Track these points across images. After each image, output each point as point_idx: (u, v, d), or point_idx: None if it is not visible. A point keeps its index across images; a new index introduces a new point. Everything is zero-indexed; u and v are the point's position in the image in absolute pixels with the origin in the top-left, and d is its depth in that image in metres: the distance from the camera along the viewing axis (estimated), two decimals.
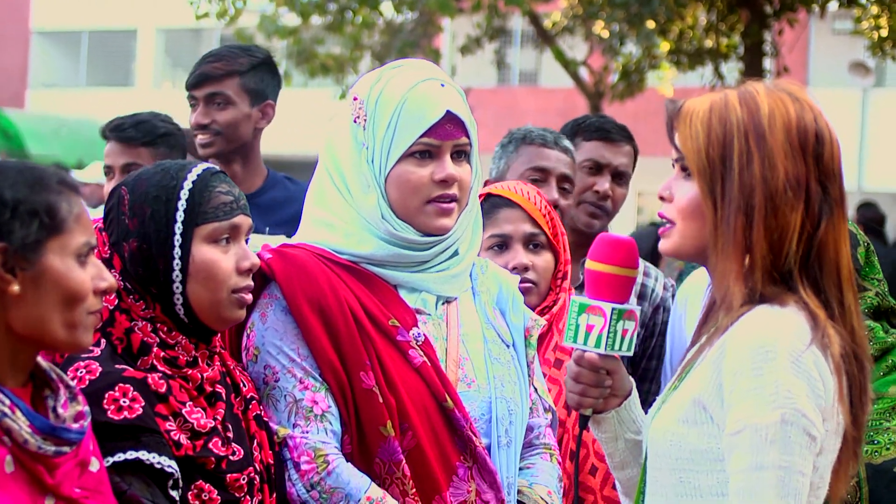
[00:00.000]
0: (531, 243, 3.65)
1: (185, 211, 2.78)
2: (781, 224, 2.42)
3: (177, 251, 2.77)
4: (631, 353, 2.78)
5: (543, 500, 3.14)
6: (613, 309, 2.71)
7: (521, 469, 3.17)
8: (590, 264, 2.76)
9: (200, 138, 4.60)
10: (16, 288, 2.18)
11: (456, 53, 19.77)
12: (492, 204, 3.66)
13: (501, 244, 3.63)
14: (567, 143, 4.27)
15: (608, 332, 2.71)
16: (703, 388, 2.44)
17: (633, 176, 4.59)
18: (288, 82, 17.18)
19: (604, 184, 4.46)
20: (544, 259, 3.65)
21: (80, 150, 20.62)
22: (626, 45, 15.78)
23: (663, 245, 2.63)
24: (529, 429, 3.20)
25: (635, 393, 2.84)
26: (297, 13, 15.83)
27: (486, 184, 4.26)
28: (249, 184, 4.61)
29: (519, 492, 3.13)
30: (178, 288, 2.77)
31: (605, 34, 15.67)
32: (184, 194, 2.79)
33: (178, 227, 2.77)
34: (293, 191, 4.68)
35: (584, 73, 17.86)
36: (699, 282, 4.26)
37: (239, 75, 4.61)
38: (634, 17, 14.17)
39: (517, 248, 3.62)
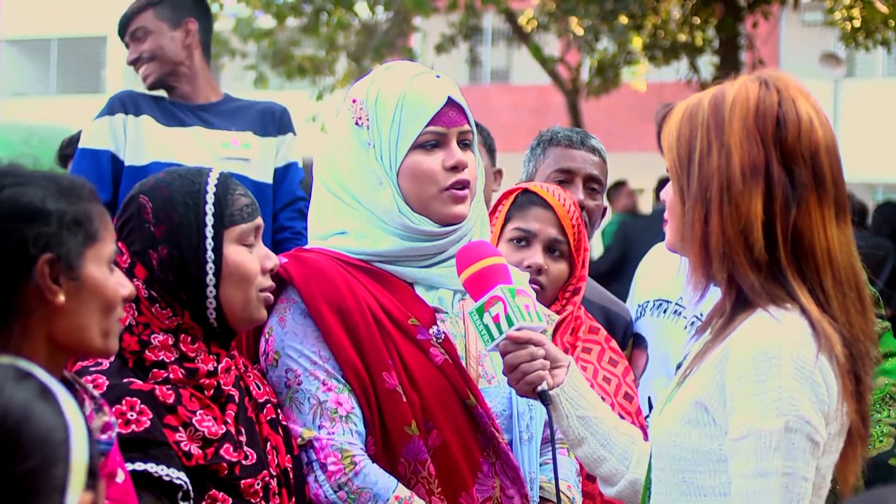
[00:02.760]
0: (552, 249, 3.65)
1: (213, 215, 2.79)
2: (742, 213, 2.41)
3: (210, 255, 2.77)
4: (545, 325, 2.89)
5: (564, 494, 3.13)
6: (502, 287, 2.83)
7: (541, 464, 3.18)
8: (462, 277, 2.90)
9: (140, 72, 4.97)
10: (61, 298, 2.17)
11: (429, 53, 19.77)
12: (527, 199, 3.67)
13: (523, 239, 3.64)
14: (595, 142, 4.24)
15: (512, 309, 2.81)
16: (705, 390, 2.44)
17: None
18: (265, 84, 17.19)
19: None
20: (559, 268, 3.66)
21: (52, 158, 20.49)
22: (600, 42, 15.80)
23: (665, 242, 2.67)
24: (547, 424, 3.20)
25: (577, 369, 2.88)
26: (272, 15, 15.80)
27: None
28: (206, 98, 4.98)
29: (540, 487, 3.14)
30: (211, 292, 2.78)
31: (580, 31, 15.68)
32: (210, 198, 2.80)
33: (209, 231, 2.78)
34: (252, 101, 5.10)
35: (559, 69, 17.86)
36: (653, 257, 4.38)
37: (151, 7, 4.98)
38: (608, 13, 14.18)
39: (537, 248, 3.62)
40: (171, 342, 2.75)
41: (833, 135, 2.50)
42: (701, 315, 4.04)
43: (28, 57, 33.07)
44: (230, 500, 2.69)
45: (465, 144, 3.08)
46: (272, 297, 2.90)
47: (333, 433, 2.91)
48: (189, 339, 2.77)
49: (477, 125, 4.49)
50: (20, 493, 1.61)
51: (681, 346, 4.03)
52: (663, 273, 4.14)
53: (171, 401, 2.67)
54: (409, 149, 3.01)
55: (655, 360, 4.09)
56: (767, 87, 2.48)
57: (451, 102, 3.04)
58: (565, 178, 4.14)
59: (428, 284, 3.09)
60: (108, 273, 2.25)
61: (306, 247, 3.13)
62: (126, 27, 5.01)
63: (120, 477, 2.37)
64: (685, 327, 4.03)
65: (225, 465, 2.69)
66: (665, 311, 4.14)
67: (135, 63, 5.00)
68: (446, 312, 3.09)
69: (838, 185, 2.48)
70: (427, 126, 3.01)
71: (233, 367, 2.85)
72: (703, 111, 2.50)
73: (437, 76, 3.08)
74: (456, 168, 3.02)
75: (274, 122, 5.00)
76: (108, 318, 2.26)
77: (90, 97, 31.38)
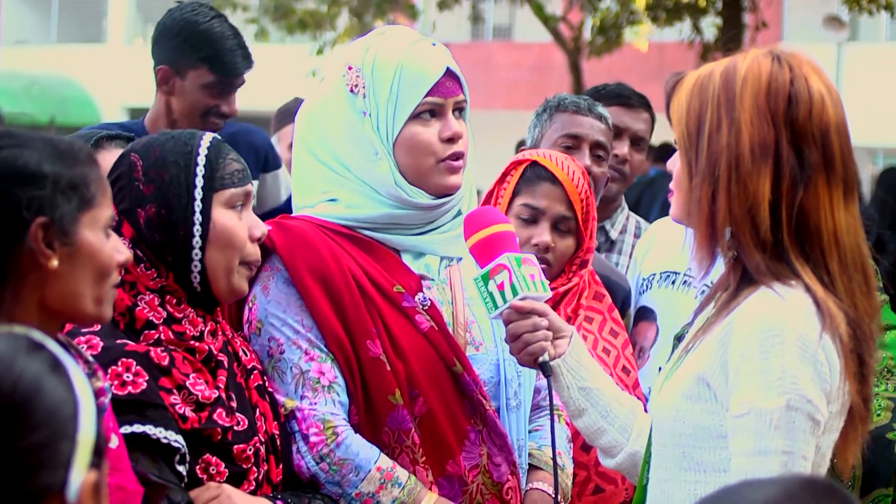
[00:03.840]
0: (559, 226, 3.61)
1: (203, 176, 2.76)
2: (750, 192, 2.39)
3: (197, 216, 2.75)
4: (549, 294, 2.88)
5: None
6: (509, 256, 2.84)
7: (529, 431, 3.18)
8: (469, 242, 2.90)
9: (217, 123, 4.49)
10: (55, 263, 2.15)
11: (432, 9, 19.69)
12: (536, 174, 3.61)
13: (531, 217, 3.59)
14: (602, 109, 4.23)
15: (517, 278, 2.81)
16: (707, 366, 2.44)
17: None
18: (265, 38, 17.14)
19: (623, 148, 4.50)
20: (566, 244, 3.61)
21: (52, 108, 20.41)
22: (603, 1, 15.75)
23: (670, 213, 2.66)
24: (537, 391, 3.20)
25: (579, 340, 2.88)
26: None
27: (519, 150, 4.28)
28: None
29: (529, 454, 3.14)
30: (196, 254, 2.75)
31: None
32: (201, 160, 2.77)
33: (199, 193, 2.75)
34: (233, 130, 4.70)
35: (561, 28, 17.81)
36: (657, 230, 4.37)
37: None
38: None
39: (545, 225, 3.58)
40: (157, 302, 2.73)
41: (843, 113, 2.47)
42: (711, 283, 4.03)
43: (29, 5, 32.93)
44: (223, 465, 2.69)
45: (458, 112, 3.07)
46: (253, 270, 2.86)
47: (315, 403, 2.90)
48: (174, 300, 2.75)
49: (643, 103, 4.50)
50: (25, 466, 1.60)
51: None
52: (669, 245, 4.13)
53: (165, 363, 2.65)
54: (407, 119, 3.00)
55: (666, 332, 4.09)
56: (780, 64, 2.45)
57: (448, 72, 3.03)
58: (572, 143, 4.15)
59: (416, 251, 3.08)
60: (103, 238, 2.23)
61: (292, 214, 3.10)
62: (240, 75, 4.49)
63: (113, 442, 2.35)
64: (696, 297, 4.03)
65: (219, 429, 2.68)
66: (674, 283, 4.14)
67: (221, 116, 4.47)
68: (432, 279, 3.08)
69: (847, 165, 2.46)
70: (425, 97, 2.99)
71: (220, 332, 2.83)
72: (714, 85, 2.47)
73: (434, 44, 3.06)
74: (452, 139, 3.02)
75: (258, 161, 4.68)
76: (102, 284, 2.24)
77: (91, 46, 31.31)
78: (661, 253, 4.19)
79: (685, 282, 4.09)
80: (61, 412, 1.64)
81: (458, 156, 3.03)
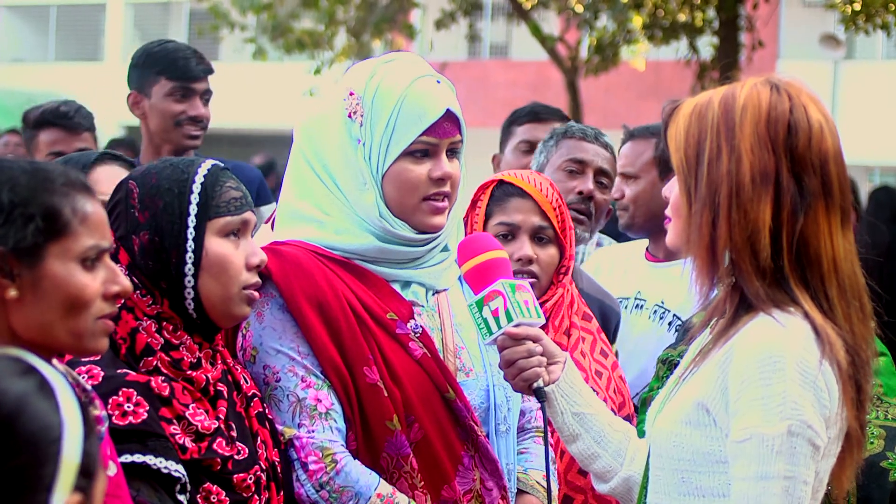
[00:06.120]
0: (538, 236, 3.62)
1: (198, 204, 2.75)
2: (750, 219, 2.41)
3: (190, 244, 2.74)
4: (543, 321, 2.90)
5: (539, 484, 3.17)
6: (503, 282, 2.85)
7: (517, 452, 3.19)
8: (463, 269, 2.93)
9: (192, 130, 4.85)
10: (13, 292, 2.09)
11: (429, 28, 19.73)
12: (504, 192, 3.63)
13: (508, 233, 3.60)
14: (607, 139, 4.30)
15: (512, 305, 2.83)
16: (707, 392, 2.45)
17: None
18: (263, 58, 17.16)
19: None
20: (549, 253, 3.63)
21: None
22: (600, 20, 15.76)
23: (667, 240, 2.68)
24: (521, 413, 3.23)
25: (573, 365, 2.90)
26: None
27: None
28: None
29: (517, 478, 3.16)
30: (189, 282, 2.74)
31: (580, 8, 15.65)
32: (196, 188, 2.76)
33: (192, 220, 2.75)
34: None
35: (558, 46, 17.83)
36: (613, 251, 4.51)
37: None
38: None
39: (524, 239, 3.60)
40: (154, 328, 2.73)
41: (840, 142, 2.49)
42: (662, 303, 4.13)
43: (27, 23, 32.98)
44: (223, 494, 2.68)
45: (451, 153, 3.07)
46: (257, 294, 2.84)
47: (313, 431, 2.90)
48: (171, 327, 2.75)
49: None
50: (5, 488, 1.60)
51: (649, 335, 4.10)
52: (613, 272, 4.29)
53: (165, 393, 2.65)
54: (399, 155, 3.00)
55: (630, 356, 4.15)
56: (779, 93, 2.48)
57: (447, 113, 3.02)
58: (577, 168, 4.22)
59: (404, 280, 3.09)
60: (75, 269, 2.15)
61: (282, 240, 3.09)
62: (202, 79, 4.89)
63: (111, 470, 2.33)
64: (649, 317, 4.13)
65: (219, 459, 2.68)
66: (626, 308, 4.22)
67: (196, 121, 4.88)
68: (422, 306, 3.08)
69: (845, 193, 2.48)
70: (421, 135, 2.99)
71: (220, 361, 2.83)
72: (713, 112, 2.49)
73: (438, 81, 3.05)
74: (441, 180, 3.02)
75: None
76: (76, 316, 2.16)
77: (89, 64, 31.34)
78: (608, 280, 4.27)
79: (637, 305, 4.22)
80: (45, 435, 1.64)
81: (443, 196, 3.03)
